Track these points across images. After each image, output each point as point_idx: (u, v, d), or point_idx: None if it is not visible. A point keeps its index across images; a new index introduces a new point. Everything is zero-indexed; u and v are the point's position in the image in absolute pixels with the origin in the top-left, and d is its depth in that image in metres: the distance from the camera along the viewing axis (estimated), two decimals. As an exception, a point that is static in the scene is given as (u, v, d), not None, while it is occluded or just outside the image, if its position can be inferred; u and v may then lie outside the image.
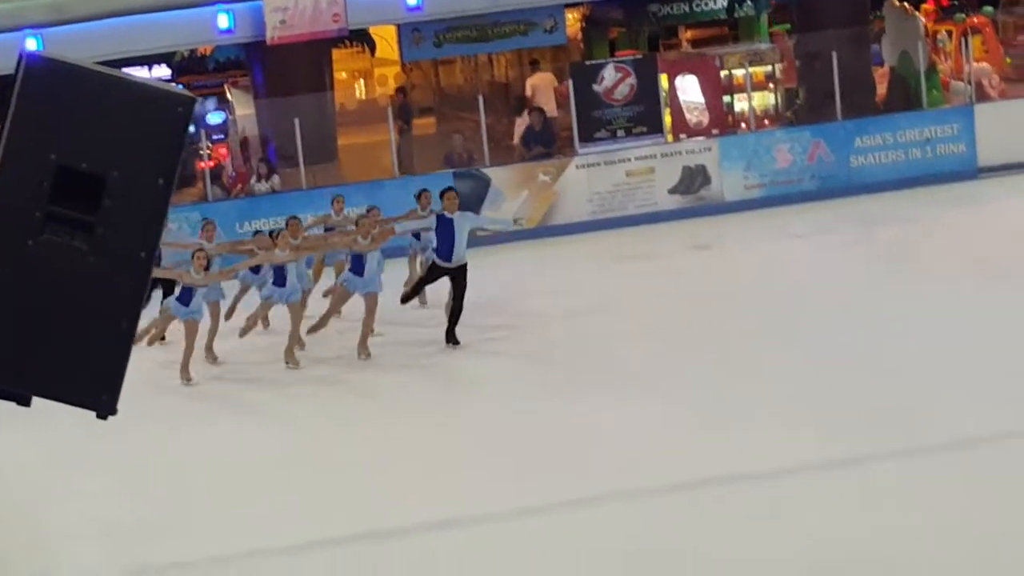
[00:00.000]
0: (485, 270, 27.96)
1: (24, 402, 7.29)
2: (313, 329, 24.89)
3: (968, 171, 35.81)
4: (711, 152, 35.86)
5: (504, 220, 23.25)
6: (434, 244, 24.26)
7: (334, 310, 25.35)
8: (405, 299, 24.89)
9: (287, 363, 23.85)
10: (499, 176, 35.14)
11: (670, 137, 36.30)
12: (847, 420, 19.05)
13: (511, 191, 35.10)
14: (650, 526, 16.67)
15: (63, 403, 7.21)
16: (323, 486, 19.04)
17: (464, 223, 22.95)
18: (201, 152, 35.48)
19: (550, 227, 34.65)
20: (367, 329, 23.93)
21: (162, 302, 24.93)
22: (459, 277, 22.83)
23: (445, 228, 22.62)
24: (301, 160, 35.04)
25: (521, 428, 20.30)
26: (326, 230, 27.15)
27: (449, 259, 22.52)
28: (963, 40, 38.41)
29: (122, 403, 7.24)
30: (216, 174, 35.96)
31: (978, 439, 18.34)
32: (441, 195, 23.62)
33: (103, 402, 7.20)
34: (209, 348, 24.99)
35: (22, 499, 19.79)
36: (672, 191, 35.56)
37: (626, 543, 16.19)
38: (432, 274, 23.50)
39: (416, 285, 25.22)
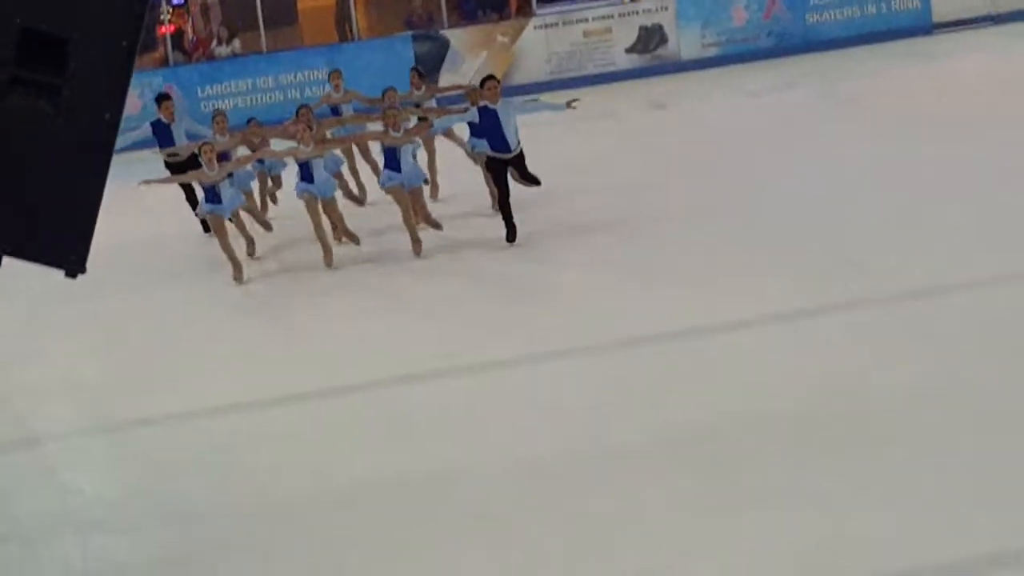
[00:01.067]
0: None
1: (-11, 262, 7.33)
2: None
3: (923, 27, 35.88)
4: (667, 11, 35.86)
5: (556, 103, 21.97)
6: (471, 138, 22.66)
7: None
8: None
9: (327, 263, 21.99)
10: (458, 38, 35.16)
11: (627, -4, 36.23)
12: (802, 273, 19.18)
13: (470, 53, 35.09)
14: (608, 379, 16.82)
15: (33, 262, 7.26)
16: (293, 347, 19.21)
17: (509, 111, 20.58)
18: (162, 17, 35.32)
19: (509, 87, 34.59)
20: (415, 223, 21.88)
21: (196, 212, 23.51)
22: (518, 164, 20.74)
23: (490, 119, 20.37)
24: (260, 24, 34.94)
25: (485, 286, 20.47)
26: (332, 111, 25.57)
27: (507, 149, 20.43)
28: None
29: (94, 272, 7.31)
30: (177, 39, 35.77)
31: (923, 290, 18.51)
32: (481, 84, 21.29)
33: (72, 261, 7.25)
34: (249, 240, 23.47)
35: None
36: (629, 50, 35.61)
37: (583, 396, 16.34)
38: (494, 169, 21.15)
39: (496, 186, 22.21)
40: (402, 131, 21.37)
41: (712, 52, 35.45)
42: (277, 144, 23.85)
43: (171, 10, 36.51)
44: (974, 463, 13.92)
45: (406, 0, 37.65)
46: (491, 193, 22.96)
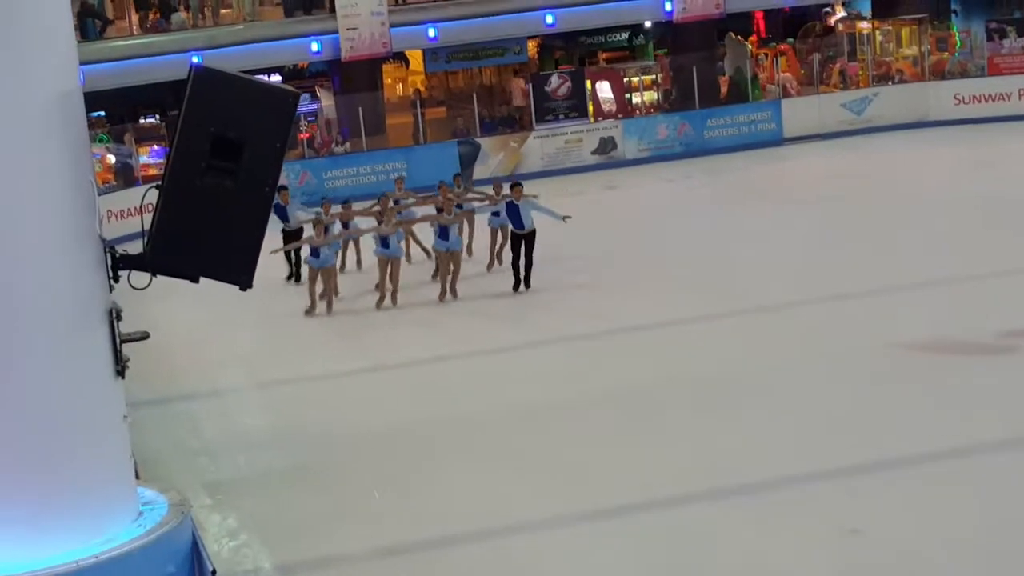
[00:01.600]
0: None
1: (194, 280, 7.43)
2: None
3: (777, 140, 35.83)
4: (618, 129, 35.79)
5: (556, 213, 20.47)
6: (497, 219, 22.02)
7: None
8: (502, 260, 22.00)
9: (392, 303, 20.60)
10: (486, 143, 35.22)
11: (592, 119, 36.26)
12: (700, 290, 19.21)
13: (493, 152, 35.17)
14: (578, 354, 16.89)
15: (218, 280, 7.35)
16: (361, 341, 19.24)
17: (527, 207, 20.32)
18: (301, 127, 35.44)
19: (518, 175, 34.70)
20: (455, 278, 20.68)
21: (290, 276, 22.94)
22: (529, 239, 20.27)
23: (513, 210, 20.23)
24: (363, 133, 35.08)
25: (497, 318, 20.51)
26: (395, 202, 23.00)
27: (522, 228, 20.20)
28: (775, 59, 38.36)
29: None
30: (310, 142, 35.84)
31: (788, 303, 18.58)
32: (511, 187, 20.72)
33: (244, 279, 7.34)
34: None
35: (188, 340, 19.93)
36: (593, 153, 35.54)
37: (560, 365, 16.38)
38: (514, 241, 20.49)
39: (499, 251, 22.40)
40: (453, 215, 20.64)
41: (645, 154, 35.39)
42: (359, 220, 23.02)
43: (307, 123, 36.64)
44: (808, 410, 14.02)
45: (453, 119, 37.89)
46: (493, 256, 22.38)
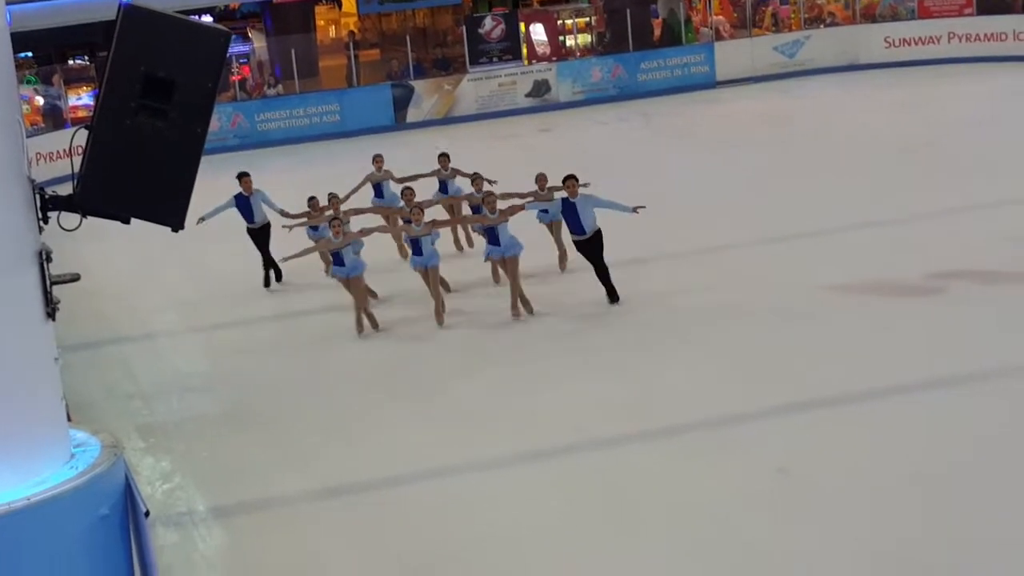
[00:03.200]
0: (418, 147, 27.88)
1: (125, 221, 7.35)
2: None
3: (710, 83, 35.94)
4: (551, 72, 35.74)
5: (624, 205, 16.05)
6: (547, 216, 18.05)
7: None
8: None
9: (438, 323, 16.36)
10: (419, 86, 34.98)
11: (526, 62, 36.14)
12: (635, 234, 19.23)
13: (427, 95, 34.97)
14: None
15: (149, 221, 7.28)
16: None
17: (587, 205, 16.09)
18: (232, 69, 35.05)
19: (451, 118, 34.56)
20: (517, 288, 16.35)
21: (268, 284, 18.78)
22: (596, 242, 16.14)
23: (569, 210, 16.06)
24: (296, 75, 34.75)
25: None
26: (375, 188, 19.95)
27: (583, 232, 16.06)
28: (708, 2, 38.38)
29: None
30: (242, 84, 35.49)
31: (720, 246, 18.69)
32: (564, 181, 16.30)
33: (175, 220, 7.27)
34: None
35: (121, 285, 19.75)
36: (527, 95, 35.46)
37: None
38: (578, 249, 16.42)
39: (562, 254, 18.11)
40: (497, 212, 16.36)
41: (579, 97, 35.38)
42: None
43: (239, 65, 36.27)
44: (741, 351, 14.15)
45: (387, 61, 37.61)
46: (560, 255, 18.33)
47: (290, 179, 26.29)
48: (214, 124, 29.02)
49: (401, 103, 34.57)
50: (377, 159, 20.27)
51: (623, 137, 30.33)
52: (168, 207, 7.25)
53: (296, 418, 13.50)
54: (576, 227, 16.18)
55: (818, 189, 21.67)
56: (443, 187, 19.76)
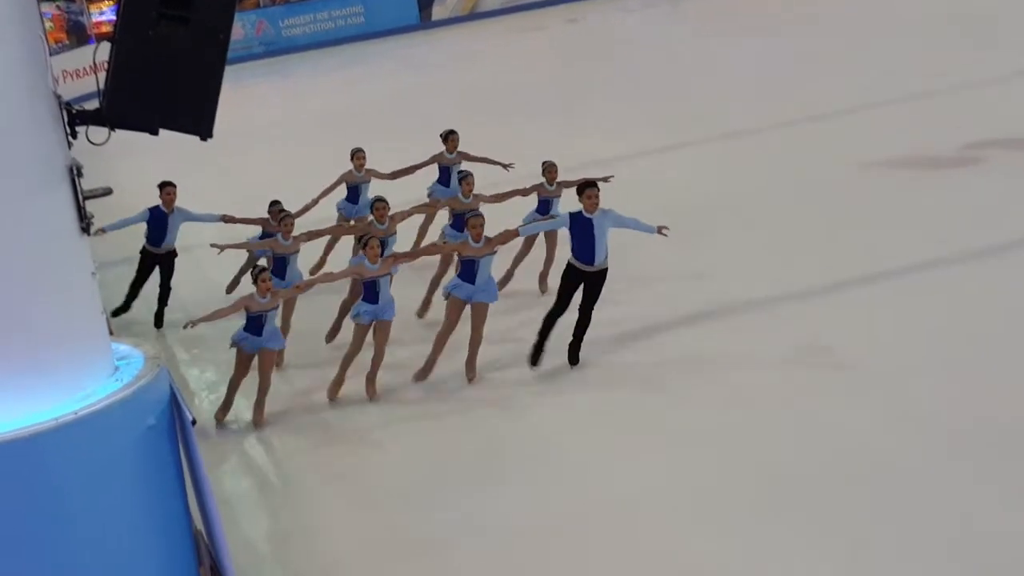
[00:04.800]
0: (442, 44, 27.62)
1: (154, 132, 7.37)
2: None
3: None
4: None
5: (649, 226, 11.82)
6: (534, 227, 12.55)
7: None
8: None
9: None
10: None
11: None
12: (668, 120, 19.11)
13: (450, -7, 34.70)
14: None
15: (177, 131, 7.30)
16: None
17: (605, 224, 11.74)
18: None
19: (476, 14, 34.27)
20: (476, 347, 11.95)
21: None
22: (597, 282, 11.82)
23: (582, 228, 11.70)
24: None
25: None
26: (350, 191, 15.34)
27: (591, 262, 11.68)
28: None
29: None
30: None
31: (740, 130, 18.55)
32: (580, 192, 11.78)
33: (203, 129, 7.29)
34: None
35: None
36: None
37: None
38: (569, 278, 11.87)
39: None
40: (483, 242, 11.72)
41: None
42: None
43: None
44: (778, 232, 14.06)
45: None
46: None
47: (317, 85, 26.16)
48: (238, 32, 28.88)
49: (425, 1, 34.30)
50: (358, 155, 15.40)
51: (652, 24, 30.00)
52: (195, 116, 7.26)
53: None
54: (585, 252, 11.71)
55: (850, 65, 21.43)
56: (444, 176, 15.34)
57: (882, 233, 13.61)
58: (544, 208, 13.62)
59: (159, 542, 6.75)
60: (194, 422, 6.82)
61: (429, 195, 15.01)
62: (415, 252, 12.94)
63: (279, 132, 23.62)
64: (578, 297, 11.83)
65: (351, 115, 23.68)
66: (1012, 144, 15.92)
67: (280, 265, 12.86)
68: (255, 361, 11.60)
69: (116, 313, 14.50)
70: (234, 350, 11.61)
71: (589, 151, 18.32)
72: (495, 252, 11.86)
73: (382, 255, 11.88)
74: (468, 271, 11.88)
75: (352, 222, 15.00)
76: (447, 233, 13.88)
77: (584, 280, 11.83)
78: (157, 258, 14.48)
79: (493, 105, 22.13)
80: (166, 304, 14.63)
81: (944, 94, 18.68)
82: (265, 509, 9.83)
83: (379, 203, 12.88)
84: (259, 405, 11.56)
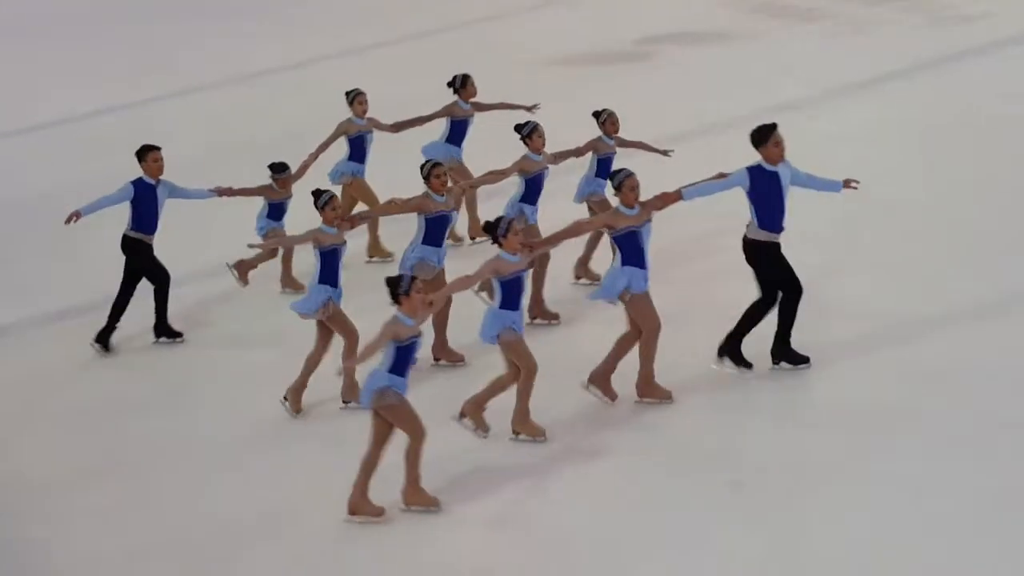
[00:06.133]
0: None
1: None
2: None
3: None
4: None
5: (834, 181, 9.86)
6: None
7: None
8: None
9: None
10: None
11: None
12: None
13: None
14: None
15: None
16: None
17: (787, 178, 9.74)
18: None
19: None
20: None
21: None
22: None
23: (768, 185, 9.62)
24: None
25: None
26: (352, 145, 13.11)
27: (781, 228, 9.81)
28: None
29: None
30: None
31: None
32: (763, 137, 9.72)
33: None
34: None
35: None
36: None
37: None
38: (772, 255, 9.88)
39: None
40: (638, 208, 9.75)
41: None
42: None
43: None
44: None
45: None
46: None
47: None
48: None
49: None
50: (359, 98, 13.08)
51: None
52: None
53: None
54: (775, 217, 9.83)
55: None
56: (458, 131, 13.16)
57: (558, 125, 12.45)
58: (604, 169, 11.54)
59: None
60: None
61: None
62: (556, 236, 9.93)
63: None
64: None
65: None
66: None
67: (332, 262, 10.17)
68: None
69: (101, 338, 12.11)
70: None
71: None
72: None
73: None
74: (634, 250, 9.50)
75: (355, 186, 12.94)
76: (523, 211, 11.43)
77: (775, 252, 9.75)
78: (148, 253, 12.00)
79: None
80: (166, 312, 12.22)
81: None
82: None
83: (437, 168, 10.39)
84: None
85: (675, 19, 18.31)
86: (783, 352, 10.08)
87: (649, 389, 9.78)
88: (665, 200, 9.52)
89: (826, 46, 18.37)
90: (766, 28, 18.80)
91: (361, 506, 8.73)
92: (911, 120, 15.44)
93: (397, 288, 8.46)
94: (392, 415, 8.57)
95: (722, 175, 9.89)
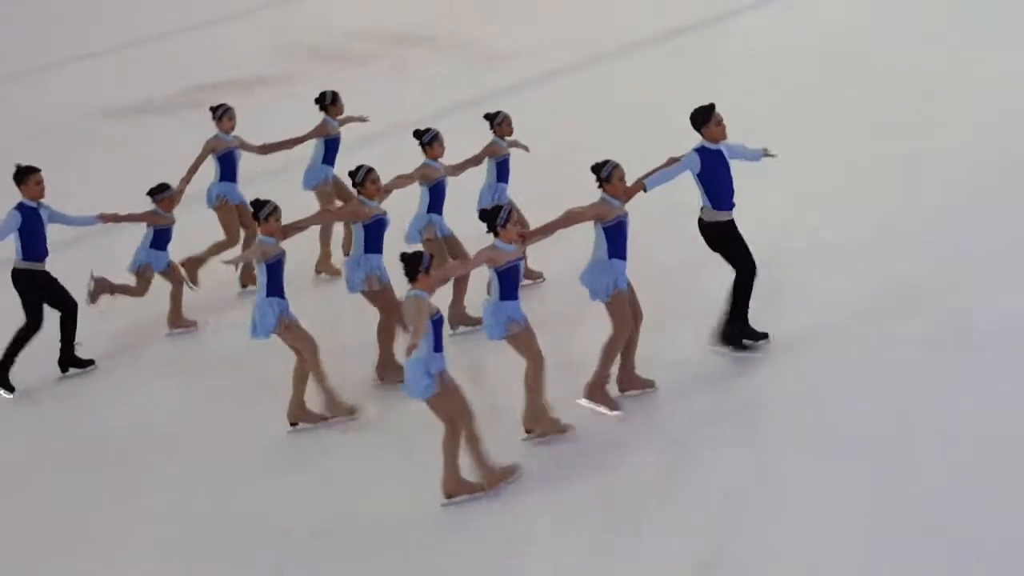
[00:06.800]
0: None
1: None
2: None
3: None
4: None
5: (755, 151, 10.09)
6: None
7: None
8: None
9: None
10: None
11: None
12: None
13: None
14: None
15: None
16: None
17: (727, 154, 9.93)
18: None
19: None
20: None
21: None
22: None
23: (717, 162, 9.74)
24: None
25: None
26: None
27: (731, 204, 9.90)
28: None
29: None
30: None
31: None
32: (704, 118, 9.82)
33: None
34: None
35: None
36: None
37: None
38: (732, 232, 9.95)
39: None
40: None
41: None
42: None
43: None
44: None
45: None
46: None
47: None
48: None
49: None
50: (228, 113, 12.76)
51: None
52: None
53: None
54: (726, 195, 9.92)
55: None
56: (330, 150, 12.88)
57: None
58: (503, 172, 11.57)
59: None
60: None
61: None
62: (550, 226, 9.50)
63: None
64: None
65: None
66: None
67: (277, 273, 9.93)
68: None
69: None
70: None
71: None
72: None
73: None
74: (621, 241, 9.49)
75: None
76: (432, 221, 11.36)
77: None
78: (45, 280, 11.25)
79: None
80: (73, 341, 11.57)
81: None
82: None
83: (372, 174, 10.43)
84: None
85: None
86: (743, 331, 10.05)
87: (599, 395, 9.67)
88: (629, 193, 9.54)
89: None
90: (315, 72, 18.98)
91: (460, 486, 8.75)
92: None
93: (417, 265, 8.46)
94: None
95: (673, 159, 9.87)
